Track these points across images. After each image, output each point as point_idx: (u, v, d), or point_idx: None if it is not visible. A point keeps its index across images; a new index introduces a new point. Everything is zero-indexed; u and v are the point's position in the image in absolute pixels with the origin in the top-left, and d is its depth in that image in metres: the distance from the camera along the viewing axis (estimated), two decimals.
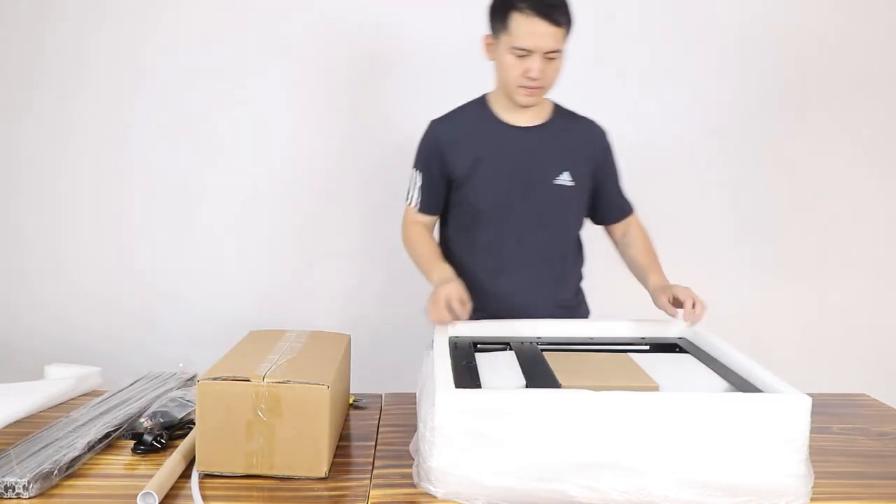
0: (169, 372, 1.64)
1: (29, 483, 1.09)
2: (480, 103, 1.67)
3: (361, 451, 1.30)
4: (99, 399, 1.47)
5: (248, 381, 1.16)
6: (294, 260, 2.50)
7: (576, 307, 1.77)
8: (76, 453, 1.19)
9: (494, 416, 1.08)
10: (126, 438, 1.30)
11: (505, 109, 1.63)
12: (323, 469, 1.17)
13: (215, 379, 1.16)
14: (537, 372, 1.28)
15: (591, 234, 1.79)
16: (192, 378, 1.61)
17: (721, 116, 2.50)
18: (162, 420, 1.31)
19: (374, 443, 1.33)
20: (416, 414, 1.29)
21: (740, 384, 1.23)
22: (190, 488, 1.13)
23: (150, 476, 1.12)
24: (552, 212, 1.65)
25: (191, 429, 1.29)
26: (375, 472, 1.21)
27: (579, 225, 1.74)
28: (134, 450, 1.27)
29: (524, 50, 1.49)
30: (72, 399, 1.54)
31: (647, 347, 1.51)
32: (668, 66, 2.43)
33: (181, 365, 1.65)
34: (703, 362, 1.36)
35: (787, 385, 1.15)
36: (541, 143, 1.63)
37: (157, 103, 2.39)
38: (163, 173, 2.43)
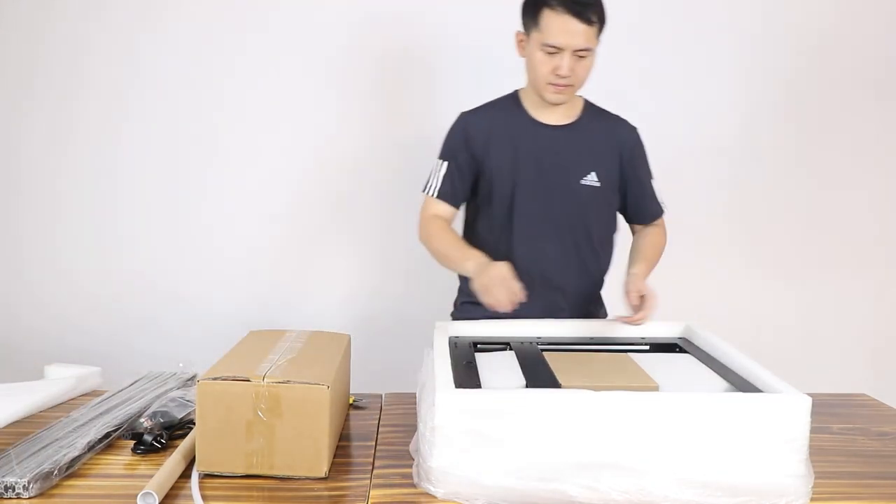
0: (169, 372, 1.64)
1: (29, 483, 1.09)
2: (513, 99, 1.66)
3: (361, 451, 1.30)
4: (99, 399, 1.47)
5: (248, 381, 1.16)
6: (294, 260, 2.50)
7: (597, 310, 1.76)
8: (76, 453, 1.19)
9: (494, 416, 1.08)
10: (126, 438, 1.30)
11: (535, 107, 1.62)
12: (323, 469, 1.17)
13: (215, 379, 1.16)
14: (537, 372, 1.28)
15: None
16: (192, 378, 1.61)
17: (721, 116, 2.49)
18: (162, 420, 1.31)
19: (374, 443, 1.33)
20: (416, 414, 1.29)
21: (740, 384, 1.23)
22: (190, 488, 1.13)
23: (150, 476, 1.12)
24: (576, 212, 1.63)
25: (191, 429, 1.29)
26: (375, 472, 1.21)
27: (608, 226, 1.71)
28: (134, 450, 1.27)
29: (554, 47, 1.48)
30: (72, 399, 1.54)
31: (647, 347, 1.51)
32: (669, 67, 2.43)
33: (181, 365, 1.65)
34: (703, 362, 1.37)
35: (787, 385, 1.15)
36: (568, 142, 1.62)
37: (156, 103, 2.39)
38: (162, 173, 2.43)
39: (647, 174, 1.71)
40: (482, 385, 1.22)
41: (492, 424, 1.08)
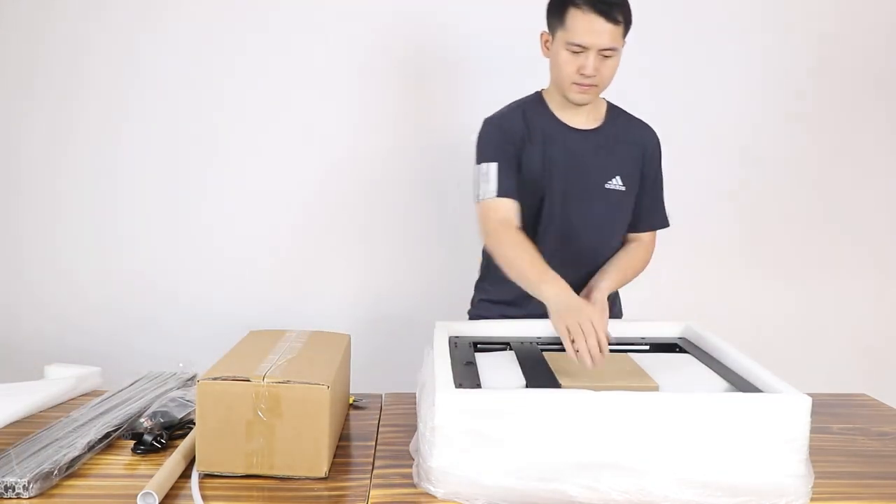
0: (169, 372, 1.64)
1: (29, 483, 1.09)
2: (538, 100, 1.63)
3: (361, 451, 1.30)
4: (99, 399, 1.47)
5: (248, 381, 1.16)
6: (294, 260, 2.50)
7: (610, 308, 1.75)
8: (76, 453, 1.19)
9: (494, 416, 1.08)
10: (126, 438, 1.30)
11: (560, 108, 1.60)
12: (323, 469, 1.17)
13: (215, 379, 1.16)
14: (537, 372, 1.28)
15: None
16: (192, 378, 1.61)
17: (720, 116, 2.49)
18: (162, 420, 1.31)
19: (374, 443, 1.33)
20: (416, 414, 1.29)
21: (740, 384, 1.23)
22: (190, 488, 1.13)
23: (150, 476, 1.12)
24: (602, 214, 1.63)
25: (191, 429, 1.29)
26: (375, 472, 1.21)
27: (625, 228, 1.70)
28: (134, 450, 1.27)
29: (579, 46, 1.47)
30: (72, 399, 1.54)
31: (647, 347, 1.51)
32: (669, 67, 2.43)
33: (181, 365, 1.65)
34: (703, 362, 1.37)
35: (787, 385, 1.15)
36: (595, 146, 1.60)
37: (156, 103, 2.39)
38: (162, 173, 2.43)
39: (660, 183, 1.69)
40: (482, 385, 1.22)
41: (492, 424, 1.08)
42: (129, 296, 2.45)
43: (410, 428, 1.32)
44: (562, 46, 1.50)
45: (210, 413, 1.16)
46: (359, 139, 2.45)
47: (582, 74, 1.49)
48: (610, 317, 1.69)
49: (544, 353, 1.40)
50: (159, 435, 1.29)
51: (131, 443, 1.29)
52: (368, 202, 2.47)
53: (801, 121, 2.52)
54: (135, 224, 2.45)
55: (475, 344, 1.47)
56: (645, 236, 1.70)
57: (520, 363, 1.32)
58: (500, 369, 1.31)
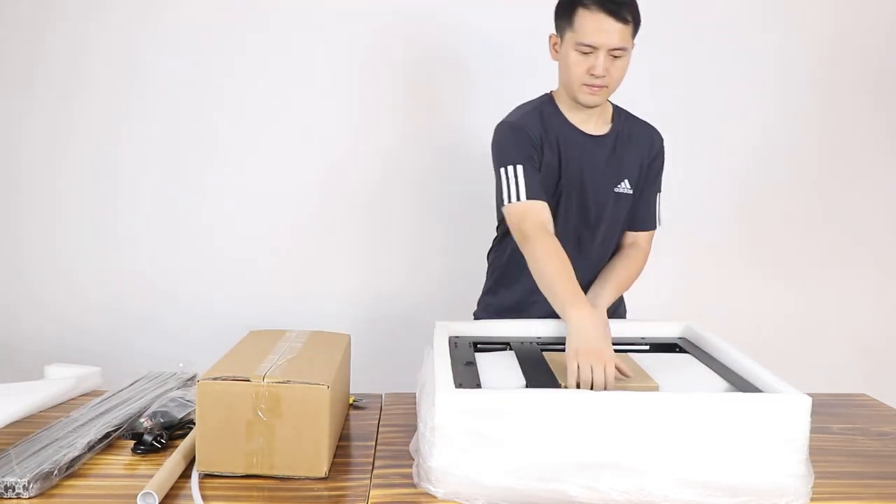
0: (169, 372, 1.64)
1: (29, 483, 1.09)
2: (550, 103, 1.62)
3: (361, 451, 1.30)
4: (99, 399, 1.47)
5: (248, 381, 1.16)
6: (294, 260, 2.50)
7: (616, 308, 1.74)
8: (76, 453, 1.19)
9: (494, 416, 1.08)
10: (126, 438, 1.30)
11: (570, 110, 1.59)
12: (323, 469, 1.17)
13: (215, 379, 1.16)
14: (537, 372, 1.28)
15: None
16: (192, 378, 1.61)
17: (720, 116, 2.49)
18: (162, 420, 1.31)
19: (374, 443, 1.33)
20: (416, 414, 1.29)
21: (740, 384, 1.23)
22: (190, 488, 1.13)
23: (150, 476, 1.12)
24: (612, 217, 1.63)
25: (191, 429, 1.29)
26: (375, 472, 1.21)
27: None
28: (134, 450, 1.27)
29: (589, 47, 1.46)
30: (72, 399, 1.54)
31: (647, 347, 1.51)
32: (669, 67, 2.43)
33: (181, 365, 1.65)
34: (703, 362, 1.37)
35: (787, 385, 1.15)
36: (608, 153, 1.60)
37: (156, 103, 2.39)
38: (162, 173, 2.43)
39: (657, 185, 1.69)
40: (482, 385, 1.22)
41: (492, 424, 1.08)
42: (129, 296, 2.45)
43: (410, 428, 1.32)
44: (571, 48, 1.48)
45: (210, 413, 1.16)
46: (359, 139, 2.45)
47: (592, 75, 1.48)
48: (616, 315, 1.70)
49: (544, 353, 1.40)
50: (159, 435, 1.29)
51: (131, 443, 1.29)
52: (368, 202, 2.47)
53: (801, 121, 2.52)
54: (135, 224, 2.45)
55: (475, 344, 1.47)
56: (642, 240, 1.69)
57: (520, 363, 1.32)
58: (500, 369, 1.31)
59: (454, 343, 1.44)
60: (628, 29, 1.47)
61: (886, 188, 2.58)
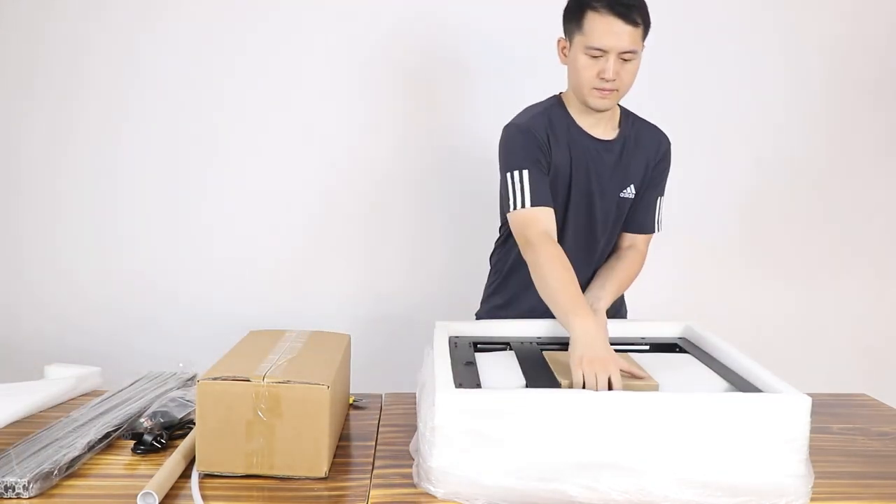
0: (169, 372, 1.64)
1: (29, 483, 1.09)
2: (559, 106, 1.59)
3: (361, 451, 1.30)
4: (99, 399, 1.47)
5: (248, 381, 1.16)
6: (294, 260, 2.50)
7: (617, 309, 1.74)
8: (76, 453, 1.19)
9: (494, 416, 1.08)
10: (126, 438, 1.30)
11: (579, 114, 1.57)
12: (323, 469, 1.17)
13: (215, 379, 1.16)
14: (537, 372, 1.28)
15: None
16: (192, 378, 1.61)
17: (720, 116, 2.49)
18: (162, 420, 1.31)
19: (374, 443, 1.33)
20: (416, 414, 1.29)
21: (740, 384, 1.23)
22: (190, 488, 1.13)
23: (150, 476, 1.12)
24: (615, 221, 1.63)
25: (191, 429, 1.29)
26: (375, 472, 1.21)
27: None
28: (134, 450, 1.27)
29: (599, 50, 1.44)
30: (72, 399, 1.54)
31: (647, 347, 1.51)
32: (669, 67, 2.43)
33: (181, 365, 1.65)
34: (703, 362, 1.37)
35: (787, 385, 1.15)
36: (616, 159, 1.59)
37: (156, 103, 2.39)
38: (162, 173, 2.43)
39: (660, 188, 1.68)
40: (482, 385, 1.22)
41: (492, 424, 1.08)
42: (129, 296, 2.46)
43: (410, 428, 1.32)
44: (580, 51, 1.47)
45: (210, 413, 1.16)
46: (359, 139, 2.45)
47: (602, 79, 1.46)
48: (618, 316, 1.70)
49: (544, 352, 1.40)
50: (159, 435, 1.29)
51: (131, 443, 1.29)
52: (368, 202, 2.47)
53: (800, 121, 2.52)
54: (135, 224, 2.45)
55: (475, 344, 1.47)
56: (640, 243, 1.68)
57: (520, 363, 1.32)
58: (500, 369, 1.31)
59: (454, 343, 1.44)
60: (638, 31, 1.45)
61: (886, 188, 2.58)
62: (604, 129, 1.59)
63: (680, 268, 2.50)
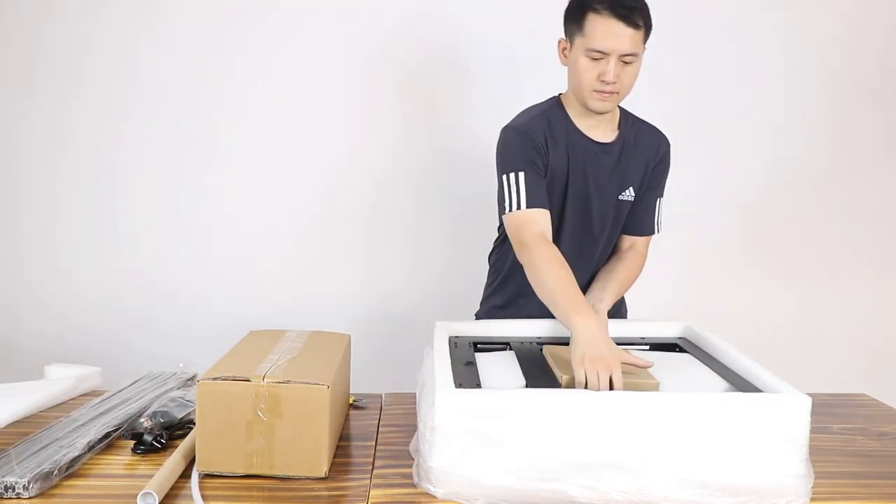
0: (169, 372, 1.64)
1: (29, 483, 1.09)
2: (558, 107, 1.59)
3: (361, 451, 1.30)
4: (99, 399, 1.47)
5: (248, 381, 1.16)
6: (294, 260, 2.50)
7: (617, 308, 1.74)
8: (76, 453, 1.19)
9: (494, 416, 1.08)
10: (126, 438, 1.30)
11: (579, 116, 1.57)
12: (323, 469, 1.17)
13: (215, 379, 1.16)
14: (537, 372, 1.28)
15: None
16: (192, 378, 1.61)
17: (720, 116, 2.49)
18: (162, 420, 1.31)
19: (374, 443, 1.33)
20: (416, 414, 1.29)
21: (740, 384, 1.23)
22: (190, 488, 1.13)
23: (150, 476, 1.12)
24: (613, 223, 1.63)
25: (191, 429, 1.29)
26: (375, 472, 1.21)
27: None
28: (134, 450, 1.27)
29: (600, 52, 1.43)
30: (72, 399, 1.54)
31: (647, 347, 1.51)
32: (669, 67, 2.43)
33: (181, 365, 1.65)
34: (703, 362, 1.37)
35: (787, 385, 1.15)
36: (615, 161, 1.58)
37: (156, 103, 2.39)
38: (162, 173, 2.43)
39: (659, 189, 1.67)
40: (482, 385, 1.22)
41: (492, 424, 1.08)
42: (129, 296, 2.46)
43: (410, 428, 1.32)
44: (581, 53, 1.46)
45: (210, 413, 1.16)
46: (359, 139, 2.45)
47: (602, 81, 1.45)
48: (618, 316, 1.70)
49: (544, 346, 1.40)
50: (159, 435, 1.29)
51: (131, 443, 1.29)
52: (368, 202, 2.47)
53: (801, 120, 2.52)
54: (135, 224, 2.45)
55: (475, 344, 1.47)
56: (640, 245, 1.69)
57: (520, 363, 1.32)
58: (500, 369, 1.31)
59: (454, 343, 1.44)
60: (640, 34, 1.44)
61: (886, 188, 2.58)
62: (603, 131, 1.58)
63: (680, 268, 2.50)
